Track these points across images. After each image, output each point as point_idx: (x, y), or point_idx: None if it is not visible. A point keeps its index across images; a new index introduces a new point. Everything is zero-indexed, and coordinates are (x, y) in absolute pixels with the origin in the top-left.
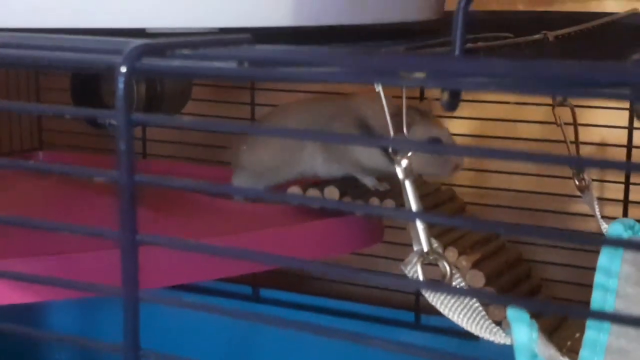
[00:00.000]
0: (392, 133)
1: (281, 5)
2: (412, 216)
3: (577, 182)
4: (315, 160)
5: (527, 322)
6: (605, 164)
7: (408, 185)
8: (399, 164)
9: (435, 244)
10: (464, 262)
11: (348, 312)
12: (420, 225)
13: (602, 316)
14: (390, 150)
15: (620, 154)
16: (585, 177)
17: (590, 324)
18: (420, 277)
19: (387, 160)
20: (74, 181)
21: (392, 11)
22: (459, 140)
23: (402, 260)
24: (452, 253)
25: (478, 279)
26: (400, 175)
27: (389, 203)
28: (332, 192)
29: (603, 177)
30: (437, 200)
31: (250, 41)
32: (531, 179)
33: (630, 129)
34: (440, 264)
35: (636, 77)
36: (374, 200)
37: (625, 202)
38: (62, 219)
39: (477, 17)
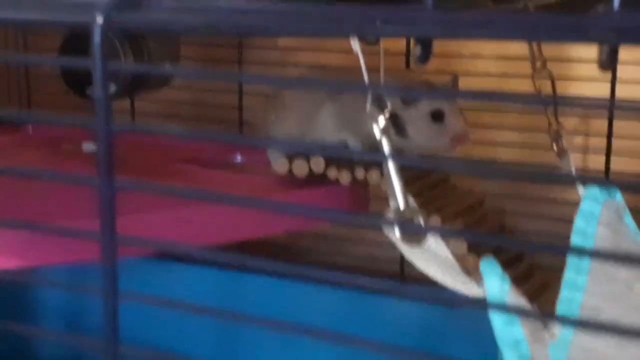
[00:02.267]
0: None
1: None
2: (384, 158)
3: (555, 148)
4: (326, 128)
5: (499, 274)
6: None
7: (385, 143)
8: (377, 122)
9: (412, 202)
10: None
11: (334, 281)
12: (397, 183)
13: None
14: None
15: (602, 127)
16: (564, 142)
17: (565, 282)
18: (397, 234)
19: (400, 138)
20: (64, 151)
21: None
22: None
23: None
24: (435, 221)
25: (460, 247)
26: (377, 134)
27: (374, 173)
28: (317, 162)
29: (586, 146)
30: (420, 170)
31: None
32: (515, 150)
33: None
34: (416, 220)
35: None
36: (359, 171)
37: (607, 170)
38: (48, 191)
39: None
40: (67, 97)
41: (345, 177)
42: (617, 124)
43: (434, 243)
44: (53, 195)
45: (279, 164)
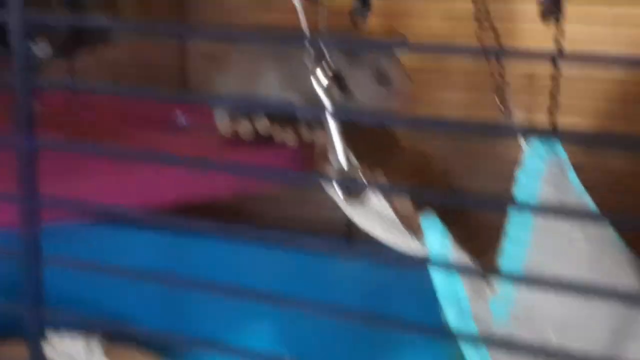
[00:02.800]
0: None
1: None
2: (324, 113)
3: (500, 105)
4: (270, 87)
5: (440, 229)
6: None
7: (326, 100)
8: (318, 80)
9: (354, 161)
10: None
11: (279, 242)
12: (338, 143)
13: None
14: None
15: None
16: (509, 99)
17: (508, 238)
18: (339, 193)
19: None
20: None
21: None
22: None
23: None
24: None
25: (406, 207)
26: (318, 91)
27: (320, 134)
28: (263, 123)
29: (532, 106)
30: (367, 131)
31: None
32: (461, 110)
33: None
34: (357, 178)
35: None
36: (306, 132)
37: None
38: None
39: None
40: None
41: (290, 138)
42: (561, 82)
43: (377, 201)
44: None
45: (224, 125)
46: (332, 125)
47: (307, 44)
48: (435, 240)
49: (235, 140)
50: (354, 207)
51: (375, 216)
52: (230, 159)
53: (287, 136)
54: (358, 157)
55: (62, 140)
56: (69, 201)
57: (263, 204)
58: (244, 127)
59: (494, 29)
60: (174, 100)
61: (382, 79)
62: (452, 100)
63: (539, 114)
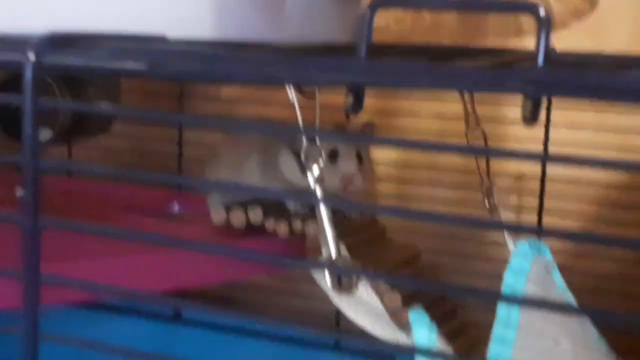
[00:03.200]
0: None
1: (203, 18)
2: (317, 202)
3: (487, 204)
4: (254, 179)
5: (427, 324)
6: (515, 154)
7: (318, 190)
8: (310, 170)
9: (344, 250)
10: (382, 284)
11: (270, 334)
12: (329, 231)
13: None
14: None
15: (535, 185)
16: (495, 199)
17: (494, 336)
18: (328, 283)
19: (304, 177)
20: None
21: (314, 32)
22: (382, 168)
23: None
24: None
25: (395, 300)
26: (311, 183)
27: (312, 225)
28: (255, 213)
29: (520, 206)
30: (356, 224)
31: (164, 41)
32: (451, 207)
33: (544, 159)
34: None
35: (540, 76)
36: (297, 222)
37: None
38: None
39: (395, 48)
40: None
41: (282, 229)
42: (549, 185)
43: (365, 292)
44: None
45: (217, 214)
46: (324, 214)
47: (303, 134)
48: (423, 335)
49: (227, 230)
50: (342, 298)
51: (363, 308)
52: (222, 245)
53: (279, 226)
54: (347, 248)
55: (67, 221)
56: (71, 279)
57: (252, 294)
58: (237, 217)
59: (482, 131)
60: (169, 184)
61: (332, 158)
62: (441, 197)
63: (527, 215)
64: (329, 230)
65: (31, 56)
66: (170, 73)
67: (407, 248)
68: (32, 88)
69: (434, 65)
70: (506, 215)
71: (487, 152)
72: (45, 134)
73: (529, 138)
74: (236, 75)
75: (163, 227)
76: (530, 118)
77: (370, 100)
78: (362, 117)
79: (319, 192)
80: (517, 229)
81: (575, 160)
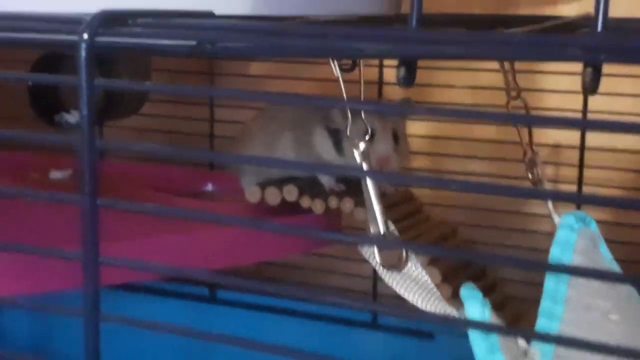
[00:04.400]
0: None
1: None
2: (364, 174)
3: (530, 176)
4: (287, 156)
5: (480, 300)
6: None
7: (365, 167)
8: (357, 147)
9: (392, 227)
10: (421, 259)
11: (306, 312)
12: (377, 208)
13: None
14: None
15: (574, 156)
16: (539, 170)
17: (541, 311)
18: (377, 259)
19: (338, 154)
20: (31, 178)
21: (350, 5)
22: (416, 141)
23: (360, 260)
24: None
25: (434, 276)
26: (357, 158)
27: (348, 202)
28: (291, 191)
29: (557, 177)
30: (393, 200)
31: (212, 16)
32: (488, 180)
33: (583, 132)
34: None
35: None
36: (333, 200)
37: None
38: (20, 218)
39: (431, 18)
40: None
41: (318, 206)
42: (587, 155)
43: (414, 268)
44: (30, 223)
45: (251, 192)
46: (371, 189)
47: (346, 107)
48: (476, 310)
49: (262, 207)
50: (392, 275)
51: (414, 284)
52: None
53: (314, 204)
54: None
55: (124, 201)
56: (129, 260)
57: (288, 273)
58: (272, 195)
59: (524, 101)
60: (202, 164)
61: (369, 138)
62: (477, 170)
63: (564, 185)
64: (377, 206)
65: (85, 35)
66: (220, 50)
67: (445, 224)
68: (86, 68)
69: (490, 34)
70: (547, 186)
71: (527, 118)
72: (76, 115)
73: (567, 108)
74: (287, 50)
75: (199, 206)
76: (591, 86)
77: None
78: (396, 92)
79: (365, 168)
80: (558, 197)
81: (615, 125)
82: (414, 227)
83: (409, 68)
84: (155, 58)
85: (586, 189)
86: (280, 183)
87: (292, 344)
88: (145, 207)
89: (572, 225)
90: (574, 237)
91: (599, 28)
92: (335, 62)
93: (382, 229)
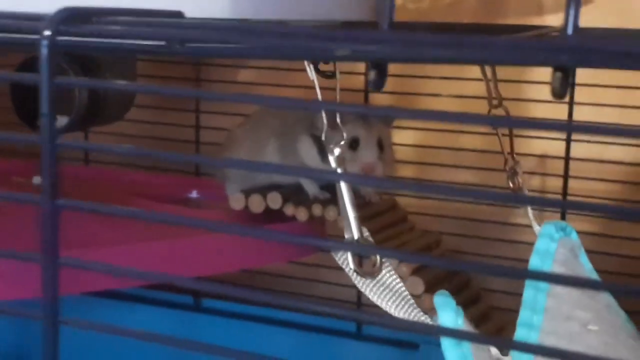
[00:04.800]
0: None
1: None
2: (339, 177)
3: (511, 185)
4: (272, 157)
5: (453, 308)
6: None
7: (339, 170)
8: (332, 153)
9: (366, 233)
10: (404, 268)
11: (290, 322)
12: (351, 213)
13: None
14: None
15: (560, 167)
16: (519, 179)
17: (520, 321)
18: (351, 264)
19: (322, 161)
20: (15, 183)
21: (329, 10)
22: (402, 150)
23: (343, 269)
24: (392, 260)
25: (417, 286)
26: (333, 164)
27: (332, 210)
28: (274, 198)
29: (543, 187)
30: (377, 209)
31: (181, 16)
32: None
33: (568, 140)
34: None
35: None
36: (317, 207)
37: (563, 213)
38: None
39: (414, 26)
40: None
41: (302, 213)
42: (573, 165)
43: (388, 275)
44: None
45: (235, 200)
46: (345, 195)
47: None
48: (449, 319)
49: (246, 215)
50: (365, 281)
51: (387, 291)
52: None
53: (298, 211)
54: (371, 234)
55: (85, 202)
56: (90, 262)
57: (273, 282)
58: (256, 202)
59: (505, 109)
60: (187, 172)
61: (353, 146)
62: (464, 180)
63: (551, 196)
64: (350, 211)
65: (46, 32)
66: (189, 49)
67: (429, 233)
68: (48, 66)
69: (460, 37)
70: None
71: (512, 121)
72: (61, 121)
73: (553, 118)
74: (256, 50)
75: (181, 213)
76: (560, 91)
77: (389, 80)
78: (382, 100)
79: (339, 171)
80: (540, 203)
81: (600, 130)
82: (398, 236)
83: (380, 71)
84: (141, 63)
85: (571, 200)
86: (264, 190)
87: (277, 354)
88: (106, 208)
89: (552, 234)
90: (553, 246)
91: (570, 31)
92: (311, 66)
93: (356, 235)
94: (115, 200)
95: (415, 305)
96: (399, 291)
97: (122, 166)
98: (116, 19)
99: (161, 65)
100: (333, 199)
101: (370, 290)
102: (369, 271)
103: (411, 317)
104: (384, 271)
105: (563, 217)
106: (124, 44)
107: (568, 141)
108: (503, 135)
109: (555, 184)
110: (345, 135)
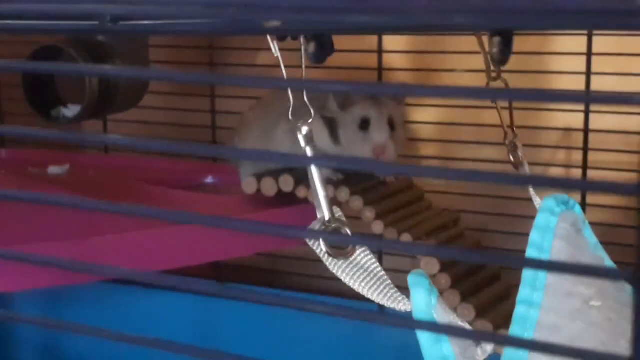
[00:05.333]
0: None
1: None
2: (308, 161)
3: (512, 158)
4: (284, 147)
5: (427, 287)
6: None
7: (309, 151)
8: (300, 131)
9: (339, 213)
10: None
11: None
12: (321, 193)
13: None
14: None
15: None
16: (520, 153)
17: (520, 298)
18: (322, 247)
19: (334, 143)
20: (30, 173)
21: None
22: (424, 128)
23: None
24: (391, 235)
25: (432, 266)
26: (302, 142)
27: (343, 191)
28: (286, 181)
29: (569, 161)
30: (392, 189)
31: None
32: (497, 166)
33: (587, 112)
34: (343, 232)
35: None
36: (329, 189)
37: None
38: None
39: None
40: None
41: (312, 195)
42: (593, 138)
43: (363, 256)
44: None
45: (248, 184)
46: (315, 175)
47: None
48: (422, 298)
49: (258, 199)
50: (336, 263)
51: (361, 272)
52: (254, 216)
53: (309, 193)
54: (382, 213)
55: (14, 190)
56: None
57: (293, 264)
58: (268, 185)
59: (505, 82)
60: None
61: (364, 126)
62: (488, 156)
63: (575, 169)
64: (320, 190)
65: None
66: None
67: (447, 212)
68: None
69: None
70: (554, 171)
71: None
72: (73, 109)
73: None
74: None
75: (194, 199)
76: (500, 58)
77: (407, 57)
78: (398, 78)
79: (309, 153)
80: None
81: (617, 99)
82: (413, 216)
83: (320, 44)
84: (154, 50)
85: (595, 173)
86: (277, 173)
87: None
88: (39, 197)
89: (552, 208)
90: (554, 221)
91: None
92: (275, 43)
93: (327, 215)
94: (129, 188)
95: (391, 285)
96: (375, 272)
97: (141, 154)
98: None
99: (175, 51)
100: (346, 180)
101: (343, 271)
102: (342, 252)
103: (387, 298)
104: (358, 251)
105: (583, 196)
106: (44, 24)
107: (587, 113)
108: (502, 108)
109: (577, 157)
110: (311, 111)
